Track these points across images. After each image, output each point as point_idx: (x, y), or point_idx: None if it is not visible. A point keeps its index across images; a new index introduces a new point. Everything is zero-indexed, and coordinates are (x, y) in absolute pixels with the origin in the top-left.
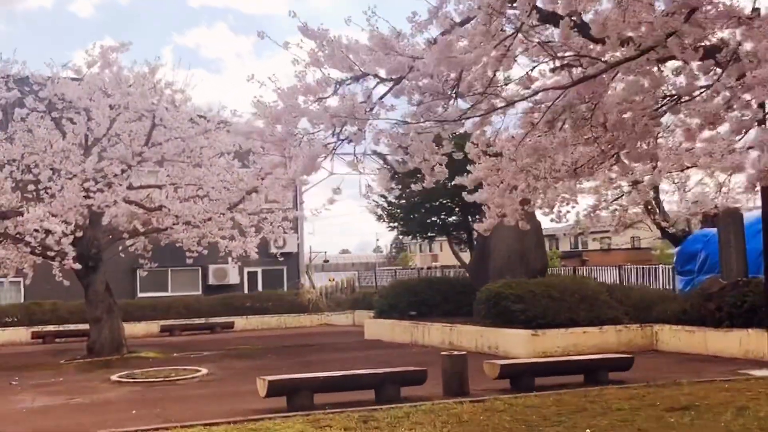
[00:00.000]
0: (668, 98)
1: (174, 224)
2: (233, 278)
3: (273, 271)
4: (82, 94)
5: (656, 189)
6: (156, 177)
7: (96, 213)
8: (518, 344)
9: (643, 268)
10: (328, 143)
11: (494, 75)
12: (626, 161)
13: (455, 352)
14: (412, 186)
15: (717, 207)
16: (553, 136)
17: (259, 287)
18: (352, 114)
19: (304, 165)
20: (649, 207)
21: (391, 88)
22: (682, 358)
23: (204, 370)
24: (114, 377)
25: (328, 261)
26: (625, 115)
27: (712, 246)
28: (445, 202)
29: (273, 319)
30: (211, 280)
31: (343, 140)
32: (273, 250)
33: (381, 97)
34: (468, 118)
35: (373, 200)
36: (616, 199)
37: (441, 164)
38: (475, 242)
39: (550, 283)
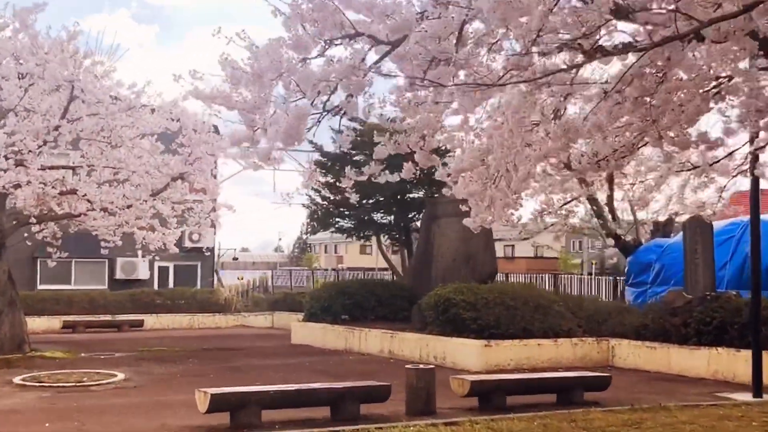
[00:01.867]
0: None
1: (89, 210)
2: (143, 273)
3: (186, 267)
4: None
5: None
6: (68, 158)
7: (0, 194)
8: (469, 355)
9: (557, 276)
10: (313, 113)
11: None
12: (667, 147)
13: (421, 366)
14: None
15: (677, 215)
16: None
17: (171, 284)
18: (350, 75)
19: (287, 134)
20: (597, 211)
21: (391, 50)
22: (645, 377)
23: (120, 375)
24: (17, 380)
25: (237, 258)
26: (679, 93)
27: (667, 257)
28: (381, 199)
29: (185, 318)
30: (119, 274)
31: (329, 111)
32: (187, 244)
33: (381, 58)
34: (522, 82)
35: (307, 194)
36: (566, 204)
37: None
38: (414, 243)
39: (503, 289)
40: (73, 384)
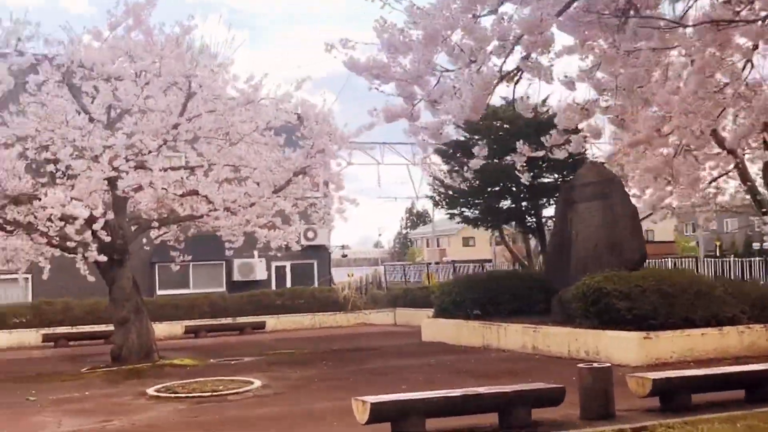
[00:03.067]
0: None
1: (211, 210)
2: (260, 274)
3: (302, 265)
4: (105, 59)
5: None
6: (182, 158)
7: (120, 198)
8: (626, 349)
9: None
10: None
11: None
12: None
13: (596, 364)
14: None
15: None
16: None
17: (288, 283)
18: (534, 30)
19: (476, 101)
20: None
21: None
22: None
23: (256, 382)
24: (150, 391)
25: (346, 255)
26: None
27: None
28: (510, 185)
29: (306, 318)
30: (236, 276)
31: (503, 77)
32: (303, 242)
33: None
34: None
35: (429, 184)
36: (716, 179)
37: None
38: (547, 231)
39: (660, 276)
40: (210, 394)
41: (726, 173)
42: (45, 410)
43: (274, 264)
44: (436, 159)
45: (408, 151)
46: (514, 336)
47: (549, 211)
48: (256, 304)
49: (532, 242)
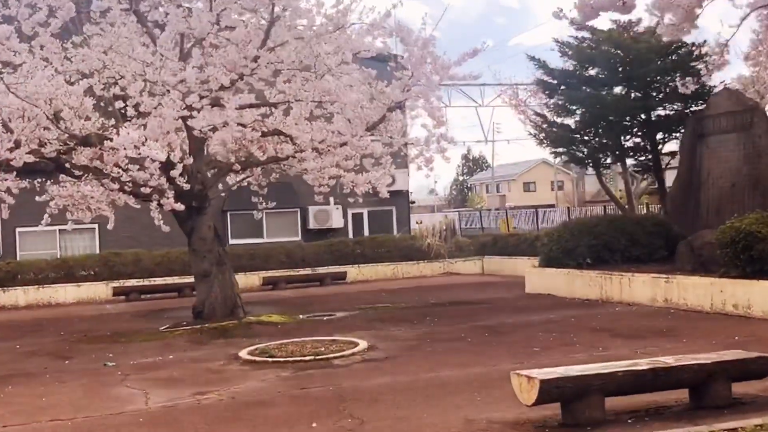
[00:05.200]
0: None
1: (296, 152)
2: (336, 221)
3: (380, 212)
4: None
5: None
6: (268, 92)
7: (197, 139)
8: None
9: None
10: None
11: None
12: None
13: None
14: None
15: None
16: None
17: (365, 231)
18: None
19: None
20: None
21: None
22: None
23: (361, 343)
24: (243, 354)
25: (414, 202)
26: None
27: None
28: (625, 119)
29: (388, 268)
30: (312, 224)
31: None
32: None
33: None
34: None
35: (530, 120)
36: None
37: None
38: (664, 169)
39: None
40: (312, 358)
41: None
42: (127, 379)
43: (350, 211)
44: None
45: (476, 93)
46: (640, 287)
47: (668, 147)
48: (335, 254)
49: (639, 184)
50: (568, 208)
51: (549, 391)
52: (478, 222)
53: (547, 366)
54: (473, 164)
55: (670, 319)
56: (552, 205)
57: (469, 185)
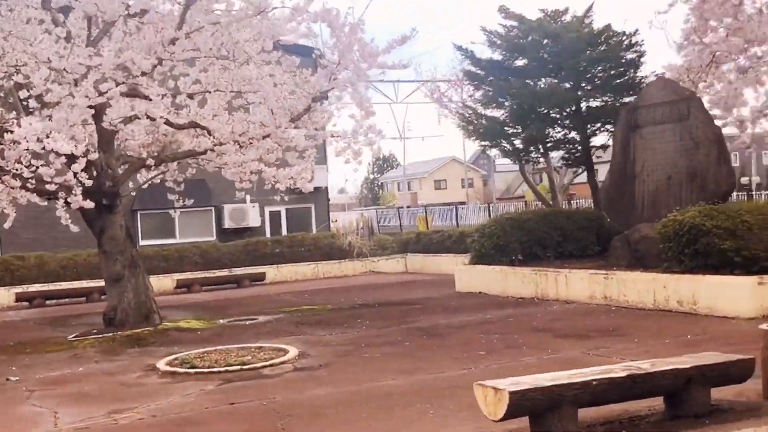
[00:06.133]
0: None
1: (216, 145)
2: (253, 220)
3: (299, 210)
4: None
5: None
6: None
7: (107, 132)
8: (735, 298)
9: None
10: None
11: None
12: None
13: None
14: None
15: None
16: None
17: (283, 230)
18: None
19: None
20: None
21: None
22: None
23: (291, 350)
24: (161, 365)
25: (329, 200)
26: None
27: None
28: (553, 112)
29: (309, 267)
30: (227, 223)
31: None
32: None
33: None
34: None
35: (458, 111)
36: None
37: None
38: (596, 162)
39: (764, 209)
40: (239, 368)
41: None
42: (32, 396)
43: (268, 209)
44: (451, 90)
45: (390, 89)
46: (578, 284)
47: (600, 140)
48: (252, 254)
49: (562, 178)
50: (489, 204)
51: (519, 403)
52: (393, 220)
53: (497, 371)
54: (384, 162)
55: (612, 317)
56: (463, 203)
57: (380, 183)
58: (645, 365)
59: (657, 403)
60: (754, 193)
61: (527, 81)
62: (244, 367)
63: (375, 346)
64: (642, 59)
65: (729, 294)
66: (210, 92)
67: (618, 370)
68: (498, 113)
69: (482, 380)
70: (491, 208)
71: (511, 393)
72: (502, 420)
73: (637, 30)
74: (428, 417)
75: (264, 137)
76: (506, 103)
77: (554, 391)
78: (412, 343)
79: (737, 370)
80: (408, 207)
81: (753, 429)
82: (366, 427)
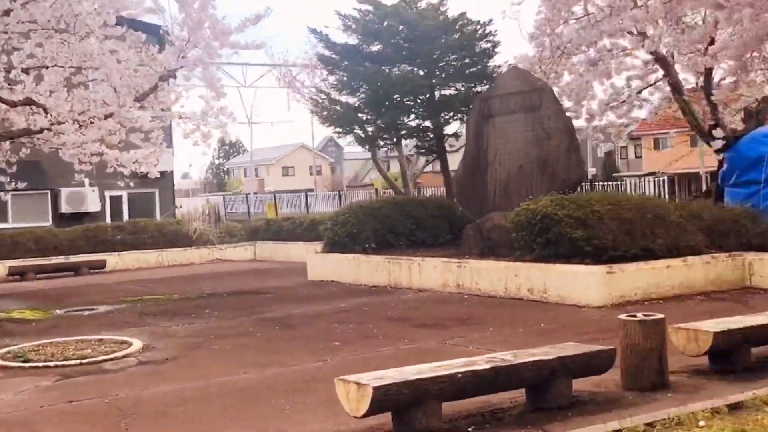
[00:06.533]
0: None
1: (53, 124)
2: (93, 205)
3: (141, 195)
4: None
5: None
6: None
7: None
8: (586, 286)
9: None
10: None
11: None
12: None
13: (640, 316)
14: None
15: None
16: None
17: (125, 215)
18: None
19: None
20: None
21: None
22: None
23: (135, 343)
24: None
25: (174, 185)
26: None
27: None
28: (406, 100)
29: (152, 255)
30: (64, 208)
31: None
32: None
33: None
34: None
35: (311, 97)
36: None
37: None
38: (446, 150)
39: (615, 199)
40: (78, 362)
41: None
42: None
43: (108, 193)
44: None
45: (238, 72)
46: (431, 273)
47: (453, 128)
48: (92, 240)
49: (414, 166)
50: (339, 192)
51: (383, 398)
52: (241, 206)
53: (355, 363)
54: (231, 148)
55: (466, 305)
56: (311, 190)
57: (226, 169)
58: (509, 357)
59: (518, 395)
60: (597, 183)
61: (382, 67)
62: (84, 361)
63: (226, 338)
64: (496, 49)
65: (579, 283)
66: (47, 67)
67: (482, 362)
68: (352, 99)
69: (339, 372)
70: (342, 196)
71: (375, 388)
72: (364, 416)
73: (491, 20)
74: (284, 414)
75: (106, 117)
76: (361, 89)
77: (419, 385)
78: (265, 335)
79: (599, 361)
80: (255, 194)
81: (618, 422)
82: (216, 426)
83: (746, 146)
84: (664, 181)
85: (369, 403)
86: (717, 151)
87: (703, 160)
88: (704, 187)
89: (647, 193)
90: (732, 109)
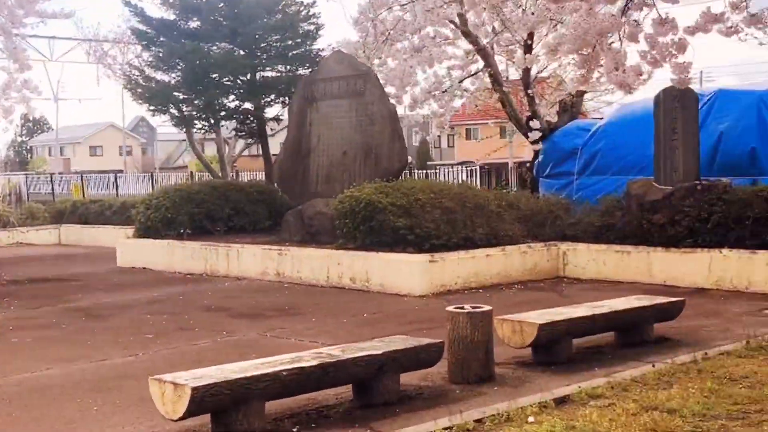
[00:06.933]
0: None
1: None
2: None
3: None
4: None
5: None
6: None
7: None
8: (408, 275)
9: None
10: None
11: None
12: None
13: (467, 308)
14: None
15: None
16: None
17: None
18: None
19: None
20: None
21: None
22: (624, 290)
23: None
24: None
25: None
26: None
27: (603, 141)
28: (226, 80)
29: None
30: None
31: None
32: None
33: None
34: None
35: (124, 73)
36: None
37: None
38: (267, 134)
39: (437, 188)
40: None
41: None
42: None
43: None
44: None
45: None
46: (251, 260)
47: (275, 111)
48: None
49: (232, 149)
50: (151, 173)
51: (202, 399)
52: (45, 187)
53: (169, 357)
54: (34, 125)
55: (287, 294)
56: (121, 171)
57: (29, 147)
58: (336, 352)
59: (345, 390)
60: (414, 172)
61: (201, 45)
62: None
63: (26, 329)
64: (320, 32)
65: (402, 271)
66: None
67: (308, 358)
68: (168, 77)
69: (152, 368)
70: (154, 178)
71: (194, 389)
72: (182, 419)
73: (314, 1)
74: (92, 414)
75: None
76: (177, 67)
77: (242, 384)
78: (71, 326)
79: (428, 354)
80: (61, 173)
81: (448, 419)
82: (15, 429)
83: (561, 138)
84: (476, 170)
85: (187, 404)
86: (533, 143)
87: (513, 151)
88: (512, 178)
89: (459, 181)
90: (548, 102)
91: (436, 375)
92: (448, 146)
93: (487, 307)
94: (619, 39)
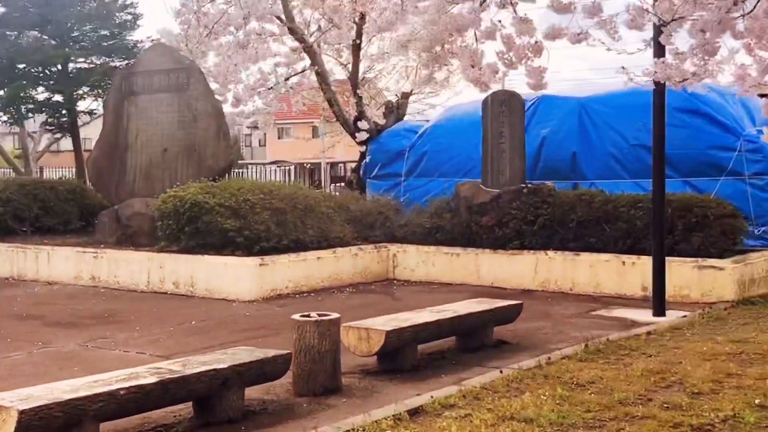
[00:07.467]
0: None
1: None
2: None
3: None
4: None
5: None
6: None
7: None
8: (237, 279)
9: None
10: None
11: None
12: None
13: (314, 315)
14: None
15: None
16: None
17: None
18: None
19: None
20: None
21: None
22: (455, 291)
23: None
24: None
25: None
26: None
27: (431, 143)
28: (34, 71)
29: None
30: None
31: None
32: None
33: None
34: None
35: None
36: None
37: None
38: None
39: (267, 188)
40: None
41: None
42: None
43: None
44: None
45: None
46: (63, 263)
47: (88, 104)
48: None
49: (37, 144)
50: None
51: (29, 425)
52: None
53: None
54: None
55: (105, 300)
56: None
57: None
58: (176, 367)
59: (183, 407)
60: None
61: (7, 33)
62: None
63: None
64: (138, 22)
65: (230, 275)
66: None
67: (146, 374)
68: None
69: None
70: None
71: (21, 412)
72: None
73: None
74: None
75: None
76: None
77: (75, 405)
78: None
79: (274, 367)
80: None
81: None
82: None
83: (388, 140)
84: (289, 170)
85: (14, 430)
86: (361, 143)
87: (325, 152)
88: (322, 177)
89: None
90: (377, 102)
91: (280, 387)
92: (260, 145)
93: (334, 315)
94: (475, 37)
